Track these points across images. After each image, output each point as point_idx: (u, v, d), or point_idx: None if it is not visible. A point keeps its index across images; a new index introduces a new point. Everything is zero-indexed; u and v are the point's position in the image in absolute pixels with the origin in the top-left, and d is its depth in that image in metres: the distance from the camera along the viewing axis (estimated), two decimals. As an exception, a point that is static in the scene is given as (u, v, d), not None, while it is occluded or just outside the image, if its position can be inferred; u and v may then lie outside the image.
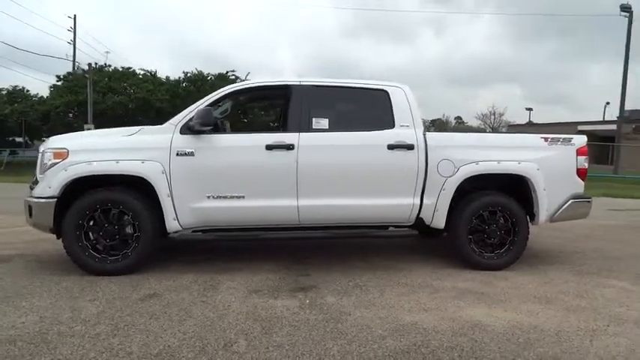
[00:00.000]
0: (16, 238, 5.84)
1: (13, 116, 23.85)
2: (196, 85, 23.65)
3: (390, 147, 4.42)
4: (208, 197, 4.23)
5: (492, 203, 4.62)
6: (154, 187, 4.11)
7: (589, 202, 4.89)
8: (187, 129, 4.23)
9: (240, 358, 2.61)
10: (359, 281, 4.13)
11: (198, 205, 4.21)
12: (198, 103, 4.45)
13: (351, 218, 4.52)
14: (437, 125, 59.84)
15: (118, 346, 2.71)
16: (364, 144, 4.43)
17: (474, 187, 4.72)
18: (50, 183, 4.02)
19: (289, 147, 4.28)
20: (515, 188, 4.75)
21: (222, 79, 24.01)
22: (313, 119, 4.42)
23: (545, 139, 4.75)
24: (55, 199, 4.02)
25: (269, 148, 4.27)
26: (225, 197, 4.25)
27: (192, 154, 4.18)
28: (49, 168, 4.07)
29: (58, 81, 24.55)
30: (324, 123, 4.44)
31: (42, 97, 24.93)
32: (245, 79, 24.57)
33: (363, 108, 4.65)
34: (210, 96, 4.45)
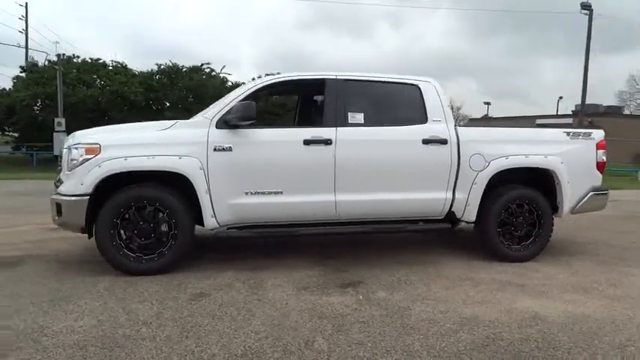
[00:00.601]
0: (18, 238, 5.54)
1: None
2: (170, 77, 23.00)
3: (425, 142, 4.45)
4: (246, 193, 4.13)
5: (520, 196, 4.74)
6: (193, 184, 3.98)
7: (607, 194, 5.09)
8: (224, 123, 4.10)
9: (328, 357, 2.57)
10: (400, 276, 4.15)
11: (236, 201, 4.11)
12: (231, 96, 4.33)
13: (387, 213, 4.52)
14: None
15: (196, 349, 2.62)
16: (400, 139, 4.44)
17: (499, 181, 4.82)
18: (83, 180, 3.82)
19: (327, 142, 4.24)
20: (538, 181, 4.88)
21: (197, 72, 23.47)
22: (349, 114, 4.38)
23: (568, 134, 4.90)
24: (88, 197, 3.83)
25: (307, 142, 4.21)
26: (263, 193, 4.17)
27: (230, 149, 4.07)
28: (80, 164, 3.87)
29: (21, 72, 23.31)
30: (360, 117, 4.42)
31: (4, 89, 23.62)
32: (221, 72, 24.15)
33: (396, 103, 4.65)
34: (245, 89, 4.34)
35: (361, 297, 3.58)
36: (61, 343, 2.65)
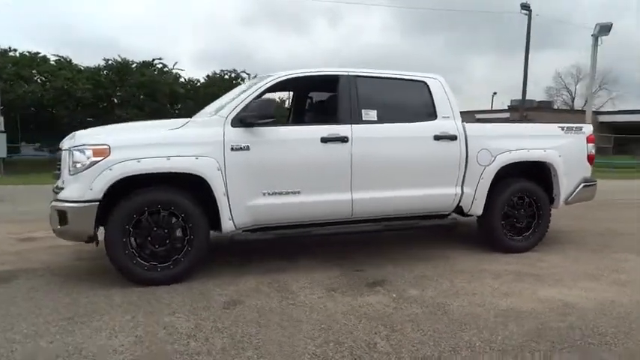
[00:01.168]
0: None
1: None
2: (119, 73, 21.84)
3: (436, 138, 4.49)
4: (264, 194, 3.98)
5: (522, 189, 4.91)
6: (210, 186, 3.77)
7: (595, 185, 5.39)
8: (239, 121, 3.93)
9: (398, 358, 2.52)
10: (418, 272, 4.16)
11: (253, 202, 3.95)
12: (241, 93, 4.15)
13: (401, 210, 4.53)
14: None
15: (261, 359, 2.49)
16: (412, 135, 4.45)
17: (501, 175, 4.96)
18: (91, 184, 3.52)
19: (344, 139, 4.17)
20: (535, 174, 5.07)
21: (148, 67, 22.45)
22: (362, 111, 4.34)
23: (562, 129, 5.13)
24: (98, 203, 3.54)
25: (324, 140, 4.12)
26: (280, 193, 4.04)
27: (247, 148, 3.90)
28: (87, 167, 3.55)
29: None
30: (373, 114, 4.38)
31: None
32: (174, 68, 23.24)
33: (406, 99, 4.66)
34: (257, 85, 4.15)
35: (394, 295, 3.55)
36: (107, 365, 2.43)
